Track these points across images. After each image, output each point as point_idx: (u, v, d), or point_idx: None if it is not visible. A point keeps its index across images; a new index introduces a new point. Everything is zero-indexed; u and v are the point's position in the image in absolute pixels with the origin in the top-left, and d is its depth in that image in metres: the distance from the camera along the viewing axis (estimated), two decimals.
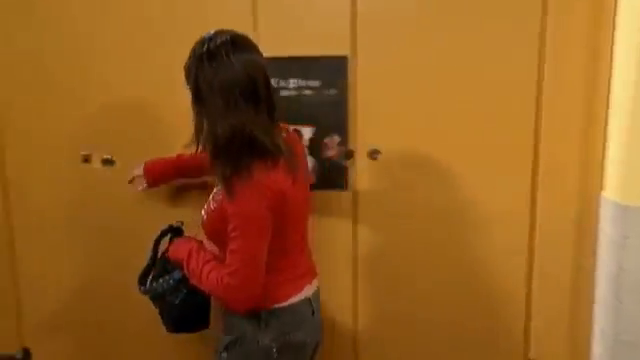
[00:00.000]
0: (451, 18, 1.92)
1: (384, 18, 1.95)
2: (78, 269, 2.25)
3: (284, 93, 2.03)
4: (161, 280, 1.60)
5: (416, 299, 2.11)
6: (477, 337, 2.08)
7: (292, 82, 2.02)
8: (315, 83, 2.01)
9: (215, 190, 1.54)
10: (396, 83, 1.99)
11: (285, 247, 1.53)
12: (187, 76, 1.42)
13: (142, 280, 1.67)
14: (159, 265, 1.66)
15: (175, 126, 1.96)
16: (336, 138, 2.04)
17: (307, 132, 2.04)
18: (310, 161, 2.04)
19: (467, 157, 1.99)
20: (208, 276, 1.46)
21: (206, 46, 1.38)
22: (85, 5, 2.07)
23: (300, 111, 2.03)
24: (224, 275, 1.42)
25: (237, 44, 1.39)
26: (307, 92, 2.02)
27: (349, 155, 2.04)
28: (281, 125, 1.57)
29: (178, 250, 1.60)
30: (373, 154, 2.04)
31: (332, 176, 2.06)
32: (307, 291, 1.60)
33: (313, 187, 2.02)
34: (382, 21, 1.96)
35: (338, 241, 2.10)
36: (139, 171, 1.97)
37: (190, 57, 1.42)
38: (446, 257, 2.06)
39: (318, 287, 1.67)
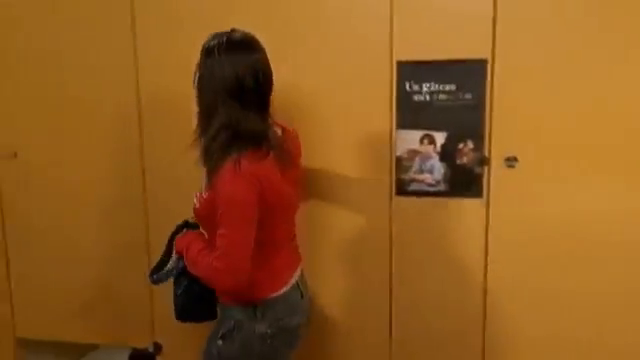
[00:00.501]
0: (594, 20, 1.81)
1: (524, 20, 1.87)
2: None
3: (416, 98, 1.99)
4: (165, 270, 1.67)
5: (554, 317, 1.97)
6: None
7: (425, 86, 1.98)
8: (450, 87, 1.96)
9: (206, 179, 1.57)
10: (536, 87, 1.89)
11: (275, 239, 1.60)
12: (194, 73, 1.53)
13: (154, 272, 1.71)
14: (172, 258, 1.70)
15: None
16: (470, 144, 1.97)
17: (440, 137, 1.99)
18: (441, 167, 1.99)
19: (613, 167, 1.86)
20: (202, 262, 1.52)
21: (206, 45, 1.50)
22: None
23: (433, 116, 1.98)
24: (213, 259, 1.47)
25: (232, 44, 1.47)
26: (441, 96, 1.97)
27: (484, 162, 1.96)
28: (278, 122, 1.61)
29: (181, 242, 1.66)
30: (510, 161, 1.94)
31: (465, 183, 1.99)
32: (295, 276, 1.68)
33: (444, 194, 1.99)
34: (522, 23, 1.87)
35: (468, 251, 2.02)
36: None
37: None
38: (586, 276, 1.93)
39: (302, 269, 1.74)
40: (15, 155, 2.34)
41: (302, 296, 1.70)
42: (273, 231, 1.57)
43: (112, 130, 2.26)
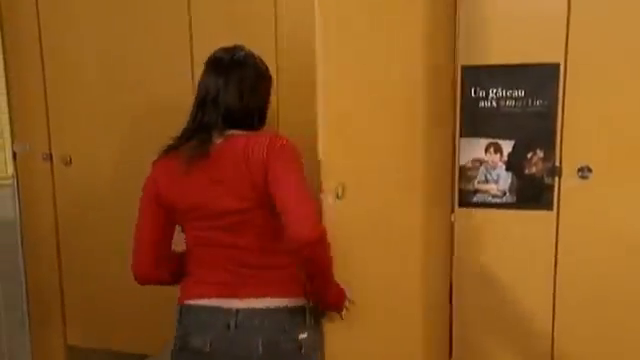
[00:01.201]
0: None
1: (600, 21, 1.76)
2: None
3: (482, 104, 1.90)
4: None
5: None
6: None
7: (492, 92, 1.88)
8: (519, 93, 1.86)
9: None
10: (611, 94, 1.78)
11: (187, 243, 1.57)
12: None
13: None
14: None
15: None
16: (540, 153, 1.86)
17: (507, 146, 1.89)
18: (508, 177, 1.88)
19: None
20: None
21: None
22: None
23: (500, 123, 1.89)
24: None
25: (211, 61, 1.57)
26: (509, 103, 1.87)
27: (555, 172, 1.85)
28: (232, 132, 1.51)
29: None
30: (583, 172, 1.82)
31: (534, 194, 1.88)
32: (221, 300, 1.49)
33: (511, 205, 1.89)
34: (597, 24, 1.77)
35: (536, 267, 1.90)
36: None
37: None
38: None
39: (262, 306, 1.47)
40: (70, 161, 2.34)
41: (229, 327, 1.46)
42: (186, 234, 1.57)
43: (169, 135, 2.23)
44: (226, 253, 1.50)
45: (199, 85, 1.56)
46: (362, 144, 1.66)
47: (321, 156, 1.50)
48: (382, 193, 1.71)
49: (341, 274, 1.53)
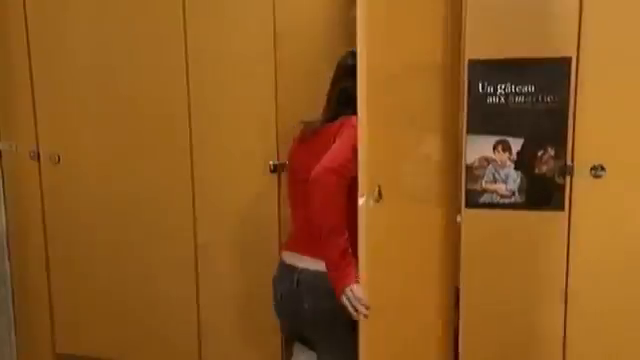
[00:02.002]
0: None
1: (613, 13, 1.69)
2: None
3: (490, 100, 1.81)
4: None
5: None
6: None
7: (500, 88, 1.80)
8: (529, 88, 1.78)
9: None
10: (626, 89, 1.71)
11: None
12: None
13: None
14: None
15: None
16: (551, 151, 1.78)
17: (516, 144, 1.81)
18: (517, 176, 1.80)
19: None
20: None
21: None
22: None
23: (509, 120, 1.80)
24: None
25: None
26: (518, 99, 1.79)
27: (566, 171, 1.77)
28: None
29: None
30: (596, 171, 1.74)
31: (544, 195, 1.80)
32: (286, 254, 1.77)
33: (520, 206, 1.81)
34: (611, 16, 1.70)
35: (547, 269, 1.82)
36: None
37: None
38: None
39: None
40: (59, 160, 2.25)
41: (293, 283, 1.68)
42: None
43: (160, 134, 2.16)
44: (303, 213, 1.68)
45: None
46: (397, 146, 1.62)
47: (360, 158, 1.45)
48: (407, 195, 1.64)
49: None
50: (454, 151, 1.89)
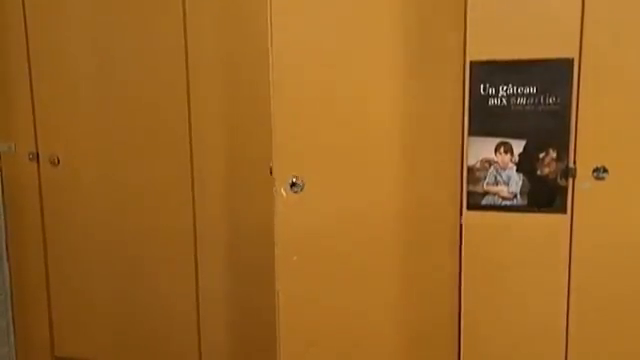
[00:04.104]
0: None
1: (617, 12, 1.68)
2: None
3: (492, 102, 1.80)
4: None
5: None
6: None
7: (502, 89, 1.79)
8: (531, 90, 1.76)
9: None
10: (629, 90, 1.69)
11: None
12: None
13: None
14: None
15: None
16: (553, 153, 1.77)
17: (518, 146, 1.79)
18: (519, 179, 1.79)
19: None
20: None
21: None
22: None
23: (510, 122, 1.79)
24: None
25: None
26: (520, 100, 1.78)
27: (569, 173, 1.75)
28: None
29: None
30: (598, 173, 1.73)
31: (546, 197, 1.78)
32: None
33: (522, 208, 1.79)
34: (615, 16, 1.68)
35: (549, 273, 1.80)
36: None
37: None
38: None
39: None
40: (58, 161, 2.24)
41: None
42: None
43: (159, 136, 2.14)
44: None
45: None
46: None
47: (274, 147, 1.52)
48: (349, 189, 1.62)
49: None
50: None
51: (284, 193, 1.56)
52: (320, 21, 1.68)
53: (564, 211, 1.77)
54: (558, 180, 1.77)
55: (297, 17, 1.67)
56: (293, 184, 1.53)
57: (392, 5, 1.74)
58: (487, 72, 1.79)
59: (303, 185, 1.54)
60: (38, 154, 2.26)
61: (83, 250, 2.28)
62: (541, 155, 1.78)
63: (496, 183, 1.83)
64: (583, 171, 1.74)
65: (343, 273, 1.61)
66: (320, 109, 1.68)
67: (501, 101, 1.79)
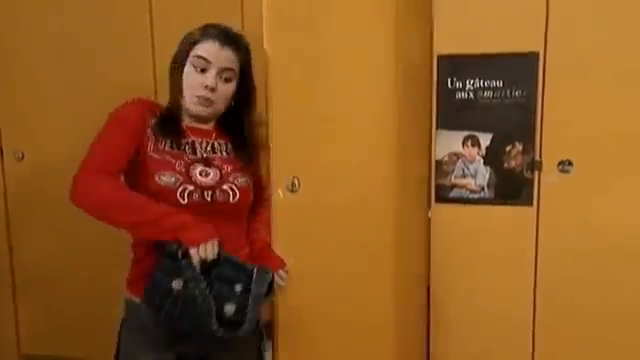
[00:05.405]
0: None
1: (581, 6, 1.69)
2: None
3: (459, 95, 1.81)
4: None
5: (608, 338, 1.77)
6: None
7: (469, 83, 1.80)
8: (497, 83, 1.77)
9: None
10: (594, 84, 1.71)
11: None
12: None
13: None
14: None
15: None
16: (519, 146, 1.78)
17: (485, 139, 1.81)
18: (486, 172, 1.80)
19: None
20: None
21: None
22: None
23: (477, 115, 1.80)
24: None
25: None
26: (487, 94, 1.79)
27: (535, 166, 1.77)
28: None
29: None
30: (563, 166, 1.75)
31: (513, 190, 1.80)
32: None
33: (489, 201, 1.81)
34: (579, 10, 1.70)
35: (516, 264, 1.83)
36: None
37: None
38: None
39: None
40: (22, 157, 2.19)
41: None
42: None
43: None
44: None
45: None
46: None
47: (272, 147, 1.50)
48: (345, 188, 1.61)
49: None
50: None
51: (281, 194, 1.54)
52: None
53: (530, 203, 1.79)
54: (524, 173, 1.79)
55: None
56: (291, 185, 1.53)
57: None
58: (454, 66, 1.80)
59: (300, 186, 1.53)
60: (2, 149, 2.21)
61: (49, 245, 2.23)
62: (508, 148, 1.80)
63: (464, 176, 1.84)
64: (549, 164, 1.77)
65: (341, 271, 1.61)
66: (316, 112, 1.62)
67: (468, 95, 1.81)
